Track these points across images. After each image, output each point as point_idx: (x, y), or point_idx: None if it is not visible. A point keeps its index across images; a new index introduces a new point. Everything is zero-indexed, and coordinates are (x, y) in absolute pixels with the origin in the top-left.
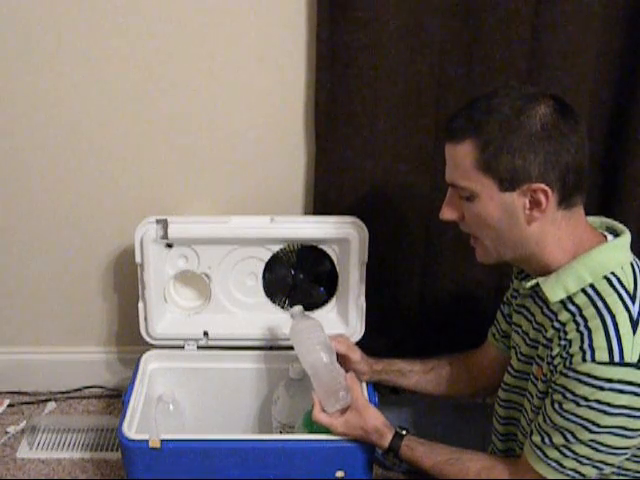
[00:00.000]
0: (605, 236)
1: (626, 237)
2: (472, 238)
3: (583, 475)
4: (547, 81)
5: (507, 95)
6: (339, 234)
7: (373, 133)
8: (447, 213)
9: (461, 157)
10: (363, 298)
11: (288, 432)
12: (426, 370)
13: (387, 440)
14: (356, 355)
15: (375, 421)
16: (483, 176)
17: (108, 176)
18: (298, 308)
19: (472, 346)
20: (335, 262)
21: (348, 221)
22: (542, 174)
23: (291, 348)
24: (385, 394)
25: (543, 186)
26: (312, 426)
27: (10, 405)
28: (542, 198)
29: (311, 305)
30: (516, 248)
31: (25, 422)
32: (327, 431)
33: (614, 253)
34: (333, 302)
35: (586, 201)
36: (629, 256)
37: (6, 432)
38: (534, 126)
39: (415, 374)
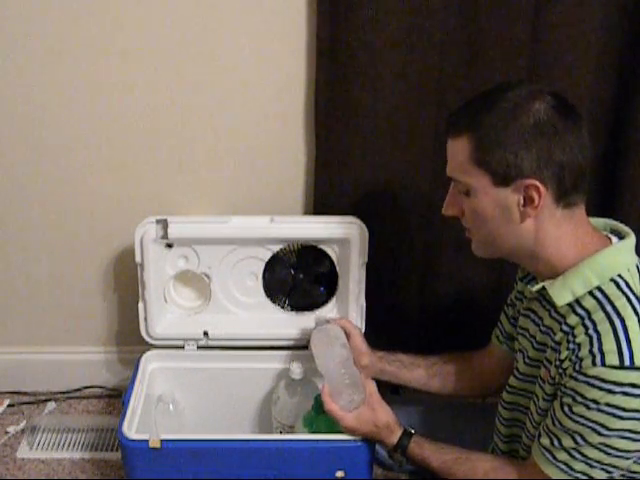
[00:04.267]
0: (609, 238)
1: (631, 239)
2: (468, 231)
3: (592, 478)
4: (547, 81)
5: (506, 91)
6: (339, 234)
7: (373, 133)
8: (448, 209)
9: (458, 152)
10: (363, 298)
11: (288, 432)
12: (428, 365)
13: (396, 436)
14: (358, 334)
15: (387, 417)
16: (478, 171)
17: (108, 176)
18: (323, 317)
19: (472, 345)
20: (335, 262)
21: (348, 221)
22: (535, 171)
23: (291, 348)
24: (385, 394)
25: (536, 182)
26: (312, 426)
27: (10, 405)
28: (535, 195)
29: (311, 305)
30: (510, 245)
31: (25, 422)
32: (327, 431)
33: (620, 255)
34: (333, 302)
35: (587, 201)
36: (634, 258)
37: (6, 432)
38: (527, 122)
39: (417, 367)
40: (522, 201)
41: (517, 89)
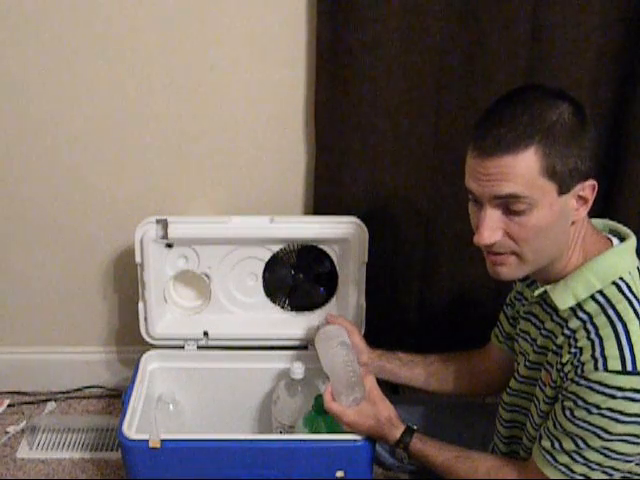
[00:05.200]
0: (610, 239)
1: (632, 241)
2: (501, 256)
3: None
4: (547, 81)
5: (540, 97)
6: (339, 234)
7: (373, 133)
8: (490, 236)
9: (525, 166)
10: (363, 298)
11: (288, 432)
12: (427, 363)
13: (399, 432)
14: (356, 332)
15: (389, 412)
16: (547, 182)
17: (108, 176)
18: (323, 321)
19: (472, 346)
20: (335, 262)
21: (348, 221)
22: (589, 169)
23: (291, 348)
24: (386, 393)
25: (593, 181)
26: (312, 426)
27: (10, 405)
28: (590, 195)
29: (311, 305)
30: (553, 253)
31: (25, 422)
32: (327, 431)
33: (621, 258)
34: (333, 302)
35: None
36: (635, 261)
37: (6, 432)
38: (572, 123)
39: (415, 365)
40: (575, 204)
41: (542, 92)
